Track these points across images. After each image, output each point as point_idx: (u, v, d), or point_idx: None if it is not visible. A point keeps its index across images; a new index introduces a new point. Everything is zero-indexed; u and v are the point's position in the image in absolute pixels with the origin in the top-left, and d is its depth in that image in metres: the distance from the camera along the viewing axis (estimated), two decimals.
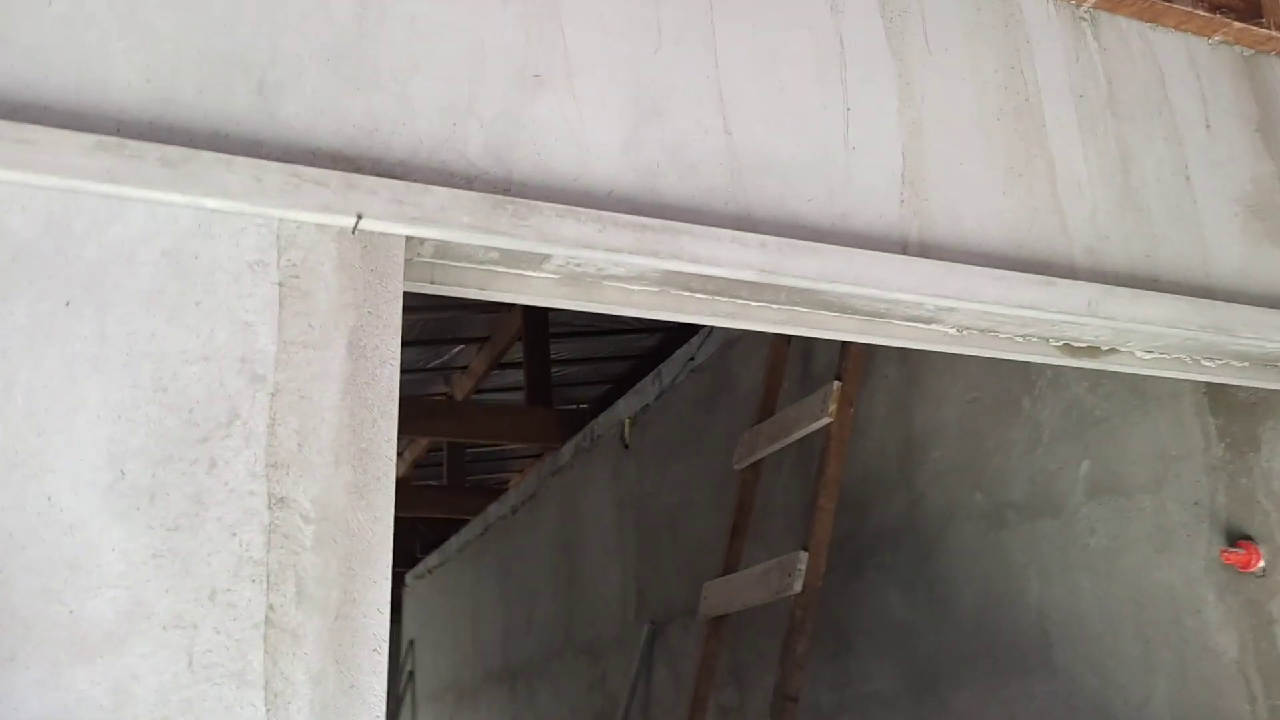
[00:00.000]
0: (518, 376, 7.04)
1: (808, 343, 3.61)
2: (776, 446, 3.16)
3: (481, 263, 1.38)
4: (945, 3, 1.71)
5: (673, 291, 1.50)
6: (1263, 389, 1.96)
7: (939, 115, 1.64)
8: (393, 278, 1.22)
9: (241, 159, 1.16)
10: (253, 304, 1.14)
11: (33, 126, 1.07)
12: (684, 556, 4.35)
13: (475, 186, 1.29)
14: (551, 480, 6.17)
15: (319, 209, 1.18)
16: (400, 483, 10.02)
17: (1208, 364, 1.84)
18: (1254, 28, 1.92)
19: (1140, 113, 1.81)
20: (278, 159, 1.20)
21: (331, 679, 1.06)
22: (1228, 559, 2.00)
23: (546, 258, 1.38)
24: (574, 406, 6.80)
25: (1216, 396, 2.12)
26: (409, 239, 1.28)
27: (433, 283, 1.38)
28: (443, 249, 1.33)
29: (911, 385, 3.12)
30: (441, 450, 8.69)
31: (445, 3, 1.36)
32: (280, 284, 1.16)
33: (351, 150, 1.25)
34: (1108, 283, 1.64)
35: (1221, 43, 1.94)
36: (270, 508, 1.09)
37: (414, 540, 10.62)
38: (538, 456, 7.94)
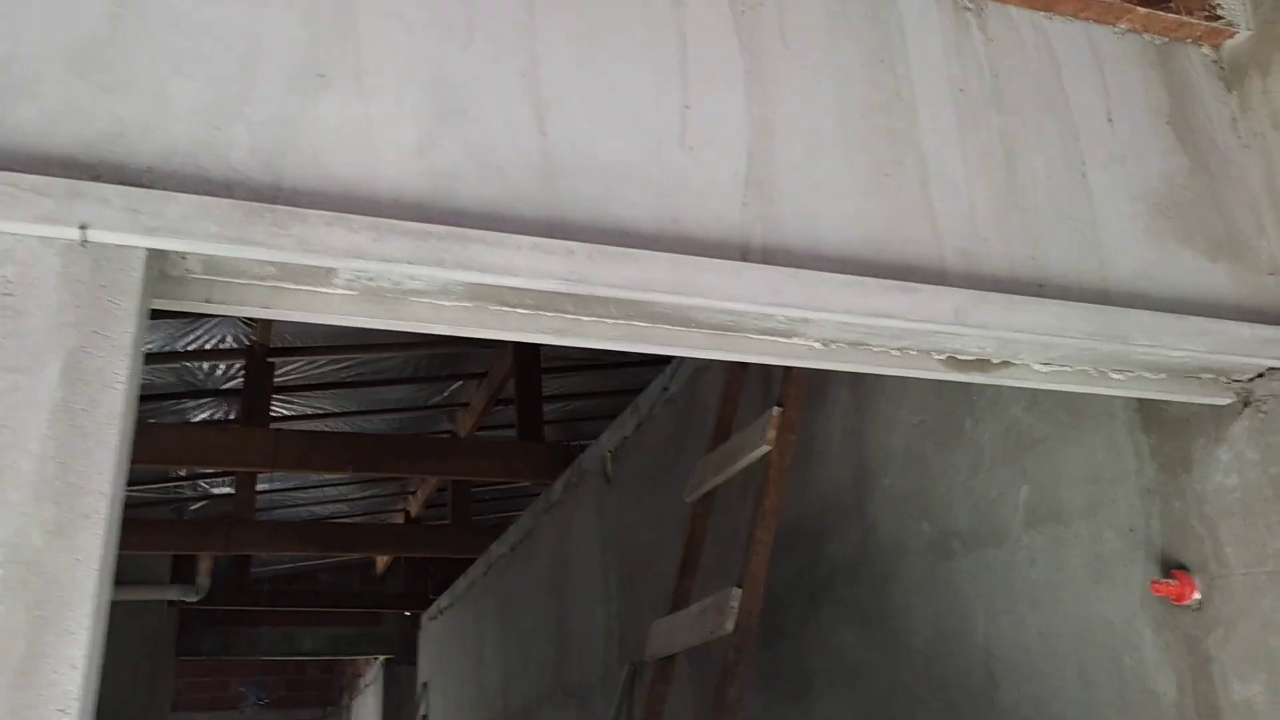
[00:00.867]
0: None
1: (768, 367, 3.47)
2: (723, 477, 3.02)
3: (261, 278, 1.27)
4: None
5: (490, 307, 1.38)
6: (1191, 403, 1.80)
7: (794, 113, 1.52)
8: (127, 294, 1.11)
9: None
10: None
11: None
12: (659, 594, 4.20)
13: (236, 194, 1.19)
14: (545, 517, 6.04)
15: (37, 220, 1.08)
16: (413, 523, 9.97)
17: (1116, 376, 1.68)
18: (1161, 13, 1.78)
19: (1030, 107, 1.67)
20: (3, 168, 1.10)
21: None
22: (1159, 591, 1.83)
23: (332, 271, 1.27)
24: (565, 443, 6.67)
25: (1149, 413, 1.95)
26: (160, 253, 1.18)
27: (209, 301, 1.27)
28: (212, 264, 1.23)
29: (863, 410, 2.97)
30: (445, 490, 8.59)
31: None
32: None
33: (90, 157, 1.15)
34: (984, 288, 1.50)
35: (1129, 31, 1.80)
36: None
37: (425, 581, 10.52)
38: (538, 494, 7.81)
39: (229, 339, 5.97)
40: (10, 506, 1.00)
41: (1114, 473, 2.02)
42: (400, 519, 10.18)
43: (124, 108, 1.18)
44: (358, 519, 10.08)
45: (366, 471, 6.05)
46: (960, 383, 2.51)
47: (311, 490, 9.11)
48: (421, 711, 9.69)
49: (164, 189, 1.16)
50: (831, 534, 3.05)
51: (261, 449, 5.68)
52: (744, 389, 3.38)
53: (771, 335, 1.50)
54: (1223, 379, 1.73)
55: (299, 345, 6.19)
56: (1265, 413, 1.70)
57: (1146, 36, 1.81)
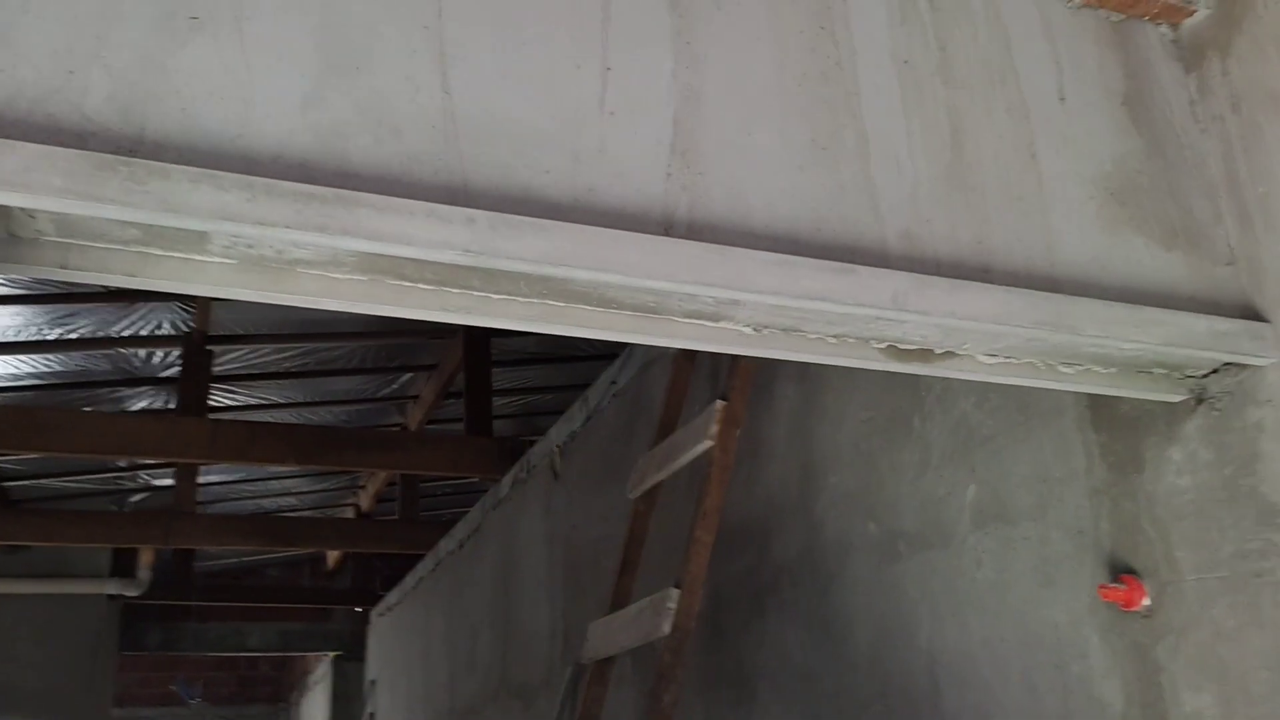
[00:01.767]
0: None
1: (716, 360, 3.36)
2: (666, 473, 2.91)
3: (124, 242, 1.14)
4: None
5: (388, 281, 1.26)
6: (1143, 400, 1.72)
7: (725, 79, 1.41)
8: None
9: None
10: None
11: None
12: (605, 592, 4.08)
13: (90, 145, 1.06)
14: (493, 513, 5.91)
15: None
16: (363, 517, 9.79)
17: (1065, 370, 1.59)
18: None
19: (979, 82, 1.57)
20: None
21: None
22: (1107, 596, 1.74)
23: (205, 236, 1.14)
24: (514, 437, 6.54)
25: (1099, 410, 1.86)
26: (3, 210, 1.04)
27: (64, 268, 1.14)
28: (66, 225, 1.10)
29: (810, 405, 2.87)
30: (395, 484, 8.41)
31: None
32: None
33: None
34: (927, 272, 1.40)
35: (1084, 6, 1.71)
36: None
37: (374, 577, 10.34)
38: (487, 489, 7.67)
39: (165, 325, 5.78)
40: None
41: (1063, 472, 1.94)
42: (351, 513, 9.99)
43: None
44: (306, 513, 9.87)
45: (307, 464, 5.88)
46: (909, 377, 2.43)
47: (258, 483, 8.90)
48: (369, 709, 9.51)
49: (6, 137, 1.02)
50: (778, 533, 2.95)
51: (198, 439, 5.50)
52: (691, 382, 3.28)
53: (698, 319, 1.39)
54: (1175, 374, 1.64)
55: (240, 333, 6.00)
56: (1219, 410, 1.62)
57: (1102, 12, 1.72)
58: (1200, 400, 1.66)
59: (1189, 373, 1.64)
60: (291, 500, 9.66)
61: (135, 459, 7.21)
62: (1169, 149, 1.67)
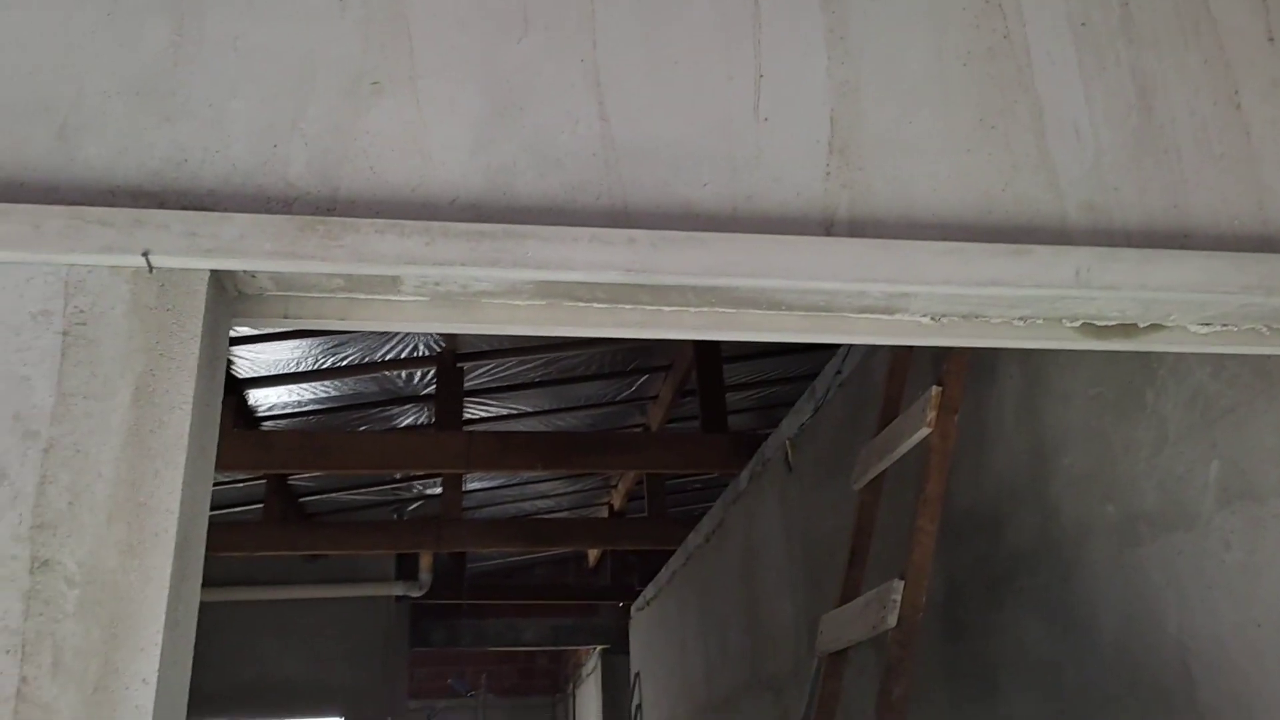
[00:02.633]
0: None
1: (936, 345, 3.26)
2: (887, 462, 2.87)
3: (331, 291, 1.28)
4: None
5: (564, 304, 1.34)
6: None
7: (882, 69, 1.39)
8: (191, 316, 1.14)
9: (22, 207, 1.12)
10: (31, 356, 1.09)
11: None
12: (837, 585, 4.05)
13: (295, 209, 1.20)
14: (734, 508, 5.99)
15: (103, 250, 1.12)
16: (615, 516, 10.15)
17: None
18: None
19: (1169, 36, 1.47)
20: (73, 202, 1.15)
21: None
22: None
23: (398, 279, 1.26)
24: (749, 432, 6.58)
25: None
26: (229, 274, 1.20)
27: (286, 316, 1.29)
28: (283, 280, 1.25)
29: (1036, 383, 2.74)
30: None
31: (273, 19, 1.28)
32: (65, 333, 1.11)
33: (154, 185, 1.19)
34: (1114, 244, 1.33)
35: None
36: (32, 572, 1.03)
37: (631, 573, 10.68)
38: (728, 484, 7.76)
39: (420, 347, 6.24)
40: (86, 529, 1.04)
41: None
42: (604, 513, 10.37)
43: (184, 134, 1.21)
44: (562, 514, 10.34)
45: (555, 469, 6.18)
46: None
47: (515, 488, 9.42)
48: (635, 701, 9.85)
49: (225, 210, 1.18)
50: (1010, 519, 2.83)
51: (456, 451, 5.90)
52: (910, 368, 3.21)
53: (871, 313, 1.38)
54: None
55: (485, 349, 6.39)
56: None
57: None
58: None
59: None
60: (549, 503, 10.15)
61: (405, 472, 7.81)
62: None
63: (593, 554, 11.91)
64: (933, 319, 1.40)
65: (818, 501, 4.46)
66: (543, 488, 9.64)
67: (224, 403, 1.22)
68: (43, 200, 1.15)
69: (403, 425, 7.43)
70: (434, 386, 6.65)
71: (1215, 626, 2.02)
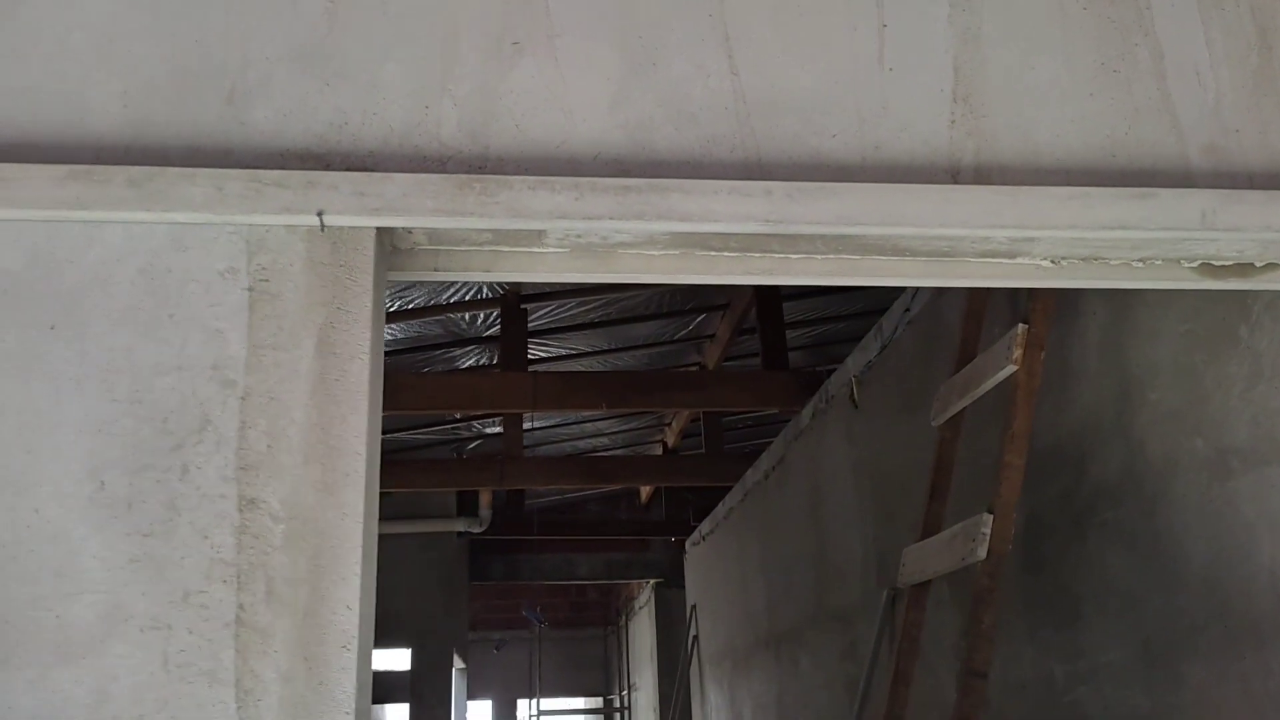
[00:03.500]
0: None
1: None
2: (969, 399, 2.91)
3: (479, 244, 1.35)
4: None
5: (697, 253, 1.40)
6: None
7: (1003, 15, 1.42)
8: (363, 271, 1.21)
9: (205, 171, 1.19)
10: (223, 311, 1.18)
11: (8, 165, 1.16)
12: (915, 519, 4.13)
13: (449, 168, 1.27)
14: (795, 444, 6.06)
15: (281, 211, 1.20)
16: (670, 453, 10.29)
17: None
18: None
19: None
20: (247, 165, 1.23)
21: (301, 676, 1.08)
22: None
23: (543, 233, 1.33)
24: (811, 368, 6.62)
25: None
26: (388, 230, 1.28)
27: (436, 270, 1.37)
28: (436, 235, 1.32)
29: (1122, 322, 2.76)
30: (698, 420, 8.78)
31: None
32: (250, 289, 1.19)
33: (320, 148, 1.26)
34: (1237, 186, 1.36)
35: None
36: (240, 510, 1.12)
37: (685, 508, 10.86)
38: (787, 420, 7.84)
39: (485, 289, 6.33)
40: (285, 470, 1.13)
41: None
42: (659, 450, 10.52)
43: (344, 98, 1.28)
44: (617, 451, 10.50)
45: (618, 408, 6.28)
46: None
47: (573, 426, 9.57)
48: (692, 632, 10.07)
49: (385, 170, 1.25)
50: (1094, 455, 2.87)
51: (522, 391, 6.03)
52: (988, 306, 3.23)
53: (993, 258, 1.43)
54: None
55: (547, 290, 6.47)
56: None
57: None
58: None
59: None
60: (604, 440, 10.31)
61: (470, 412, 7.96)
62: None
63: (645, 490, 12.10)
64: (1053, 262, 1.44)
65: (886, 437, 4.51)
66: (599, 425, 9.79)
67: None
68: (219, 164, 1.22)
69: (464, 367, 7.57)
70: (497, 328, 6.76)
71: None
